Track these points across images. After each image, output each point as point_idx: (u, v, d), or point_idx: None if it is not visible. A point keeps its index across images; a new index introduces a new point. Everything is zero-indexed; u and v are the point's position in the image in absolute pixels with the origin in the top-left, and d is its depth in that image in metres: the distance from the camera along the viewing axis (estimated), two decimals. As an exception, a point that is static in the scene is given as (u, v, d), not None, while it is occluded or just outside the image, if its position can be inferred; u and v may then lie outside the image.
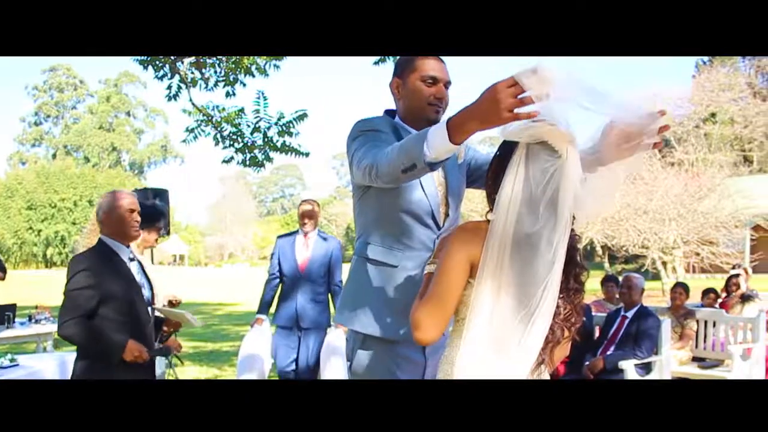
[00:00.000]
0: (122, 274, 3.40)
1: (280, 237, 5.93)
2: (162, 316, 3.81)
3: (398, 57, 2.59)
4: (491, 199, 1.83)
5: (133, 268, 3.48)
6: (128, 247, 3.51)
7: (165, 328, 3.73)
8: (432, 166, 1.92)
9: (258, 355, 5.67)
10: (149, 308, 3.52)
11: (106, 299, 3.29)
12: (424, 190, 2.38)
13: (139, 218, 3.53)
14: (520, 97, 1.61)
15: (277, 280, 5.68)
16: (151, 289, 3.64)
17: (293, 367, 5.47)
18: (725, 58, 39.83)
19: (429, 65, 2.41)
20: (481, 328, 1.76)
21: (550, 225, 1.71)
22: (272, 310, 5.75)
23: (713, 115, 36.01)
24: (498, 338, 1.76)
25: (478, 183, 2.59)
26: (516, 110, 1.62)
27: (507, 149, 1.80)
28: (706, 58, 41.44)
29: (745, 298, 8.35)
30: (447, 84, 2.45)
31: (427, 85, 2.40)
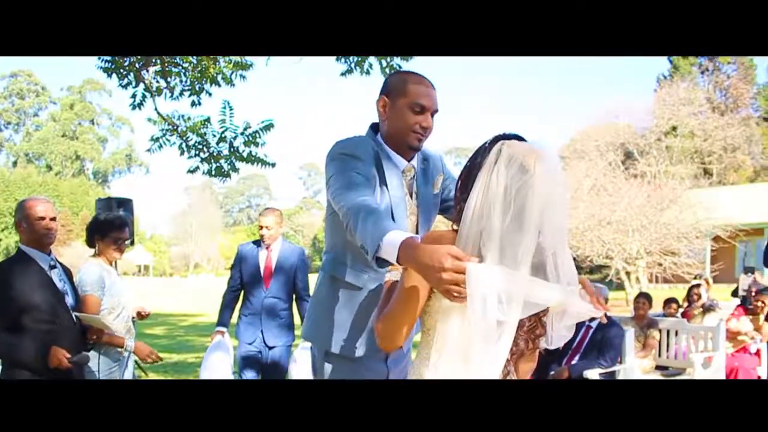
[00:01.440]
0: (42, 282, 3.32)
1: (241, 246, 5.61)
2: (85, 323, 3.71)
3: (390, 75, 2.48)
4: (459, 210, 1.83)
5: (55, 275, 3.40)
6: (49, 254, 3.43)
7: (89, 335, 3.63)
8: (377, 263, 1.93)
9: (221, 369, 5.46)
10: (74, 315, 3.44)
11: (26, 309, 3.21)
12: (394, 220, 2.36)
13: (53, 225, 3.45)
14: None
15: (239, 292, 5.42)
16: (76, 295, 3.57)
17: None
18: (685, 73, 40.82)
19: (419, 92, 2.35)
20: (451, 339, 1.76)
21: (516, 239, 1.71)
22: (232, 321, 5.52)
23: (674, 128, 36.76)
24: (465, 348, 1.76)
25: (449, 212, 2.57)
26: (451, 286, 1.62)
27: (477, 161, 1.81)
28: (666, 73, 42.41)
29: (706, 308, 8.52)
30: (434, 112, 2.40)
31: (414, 112, 2.34)
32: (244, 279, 5.34)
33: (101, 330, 3.67)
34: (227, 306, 5.46)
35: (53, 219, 3.45)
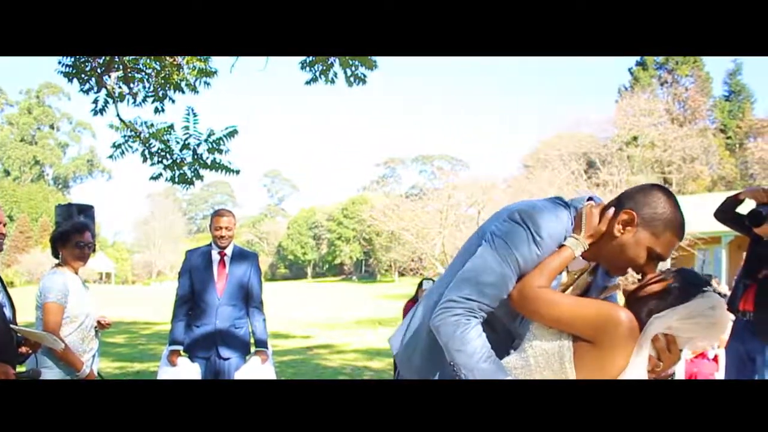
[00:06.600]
0: None
1: (190, 252, 5.14)
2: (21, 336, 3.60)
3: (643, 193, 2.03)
4: None
5: None
6: None
7: (23, 349, 3.53)
8: None
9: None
10: (10, 328, 3.28)
11: None
12: None
13: (4, 231, 3.32)
14: None
15: (190, 302, 4.92)
16: (13, 307, 3.44)
17: None
18: (645, 84, 41.69)
19: (671, 244, 1.99)
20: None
21: None
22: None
23: (635, 138, 37.50)
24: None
25: None
26: None
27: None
28: (627, 84, 43.25)
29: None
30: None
31: (650, 257, 2.00)
32: (195, 286, 4.90)
33: (37, 344, 3.57)
34: (179, 318, 4.93)
35: (4, 225, 3.36)
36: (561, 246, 1.99)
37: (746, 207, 4.23)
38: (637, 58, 42.20)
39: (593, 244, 2.02)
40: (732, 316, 4.10)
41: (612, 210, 2.01)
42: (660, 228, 1.96)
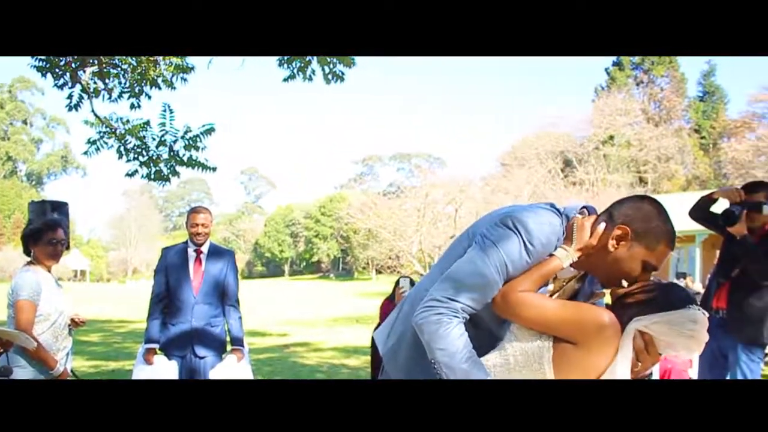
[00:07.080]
0: None
1: (166, 249, 5.13)
2: None
3: (635, 205, 2.03)
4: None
5: None
6: None
7: None
8: None
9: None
10: None
11: None
12: None
13: None
14: None
15: (166, 299, 4.88)
16: None
17: None
18: (621, 84, 42.10)
19: (664, 255, 2.01)
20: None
21: None
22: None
23: (611, 137, 37.90)
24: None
25: None
26: None
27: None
28: (604, 84, 43.65)
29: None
30: None
31: (644, 269, 2.00)
32: (171, 284, 4.87)
33: (9, 343, 3.51)
34: (155, 316, 4.88)
35: None
36: (550, 255, 2.00)
37: (720, 206, 4.29)
38: (614, 58, 42.65)
39: (585, 257, 2.02)
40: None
41: (603, 225, 2.01)
42: (654, 241, 1.98)
